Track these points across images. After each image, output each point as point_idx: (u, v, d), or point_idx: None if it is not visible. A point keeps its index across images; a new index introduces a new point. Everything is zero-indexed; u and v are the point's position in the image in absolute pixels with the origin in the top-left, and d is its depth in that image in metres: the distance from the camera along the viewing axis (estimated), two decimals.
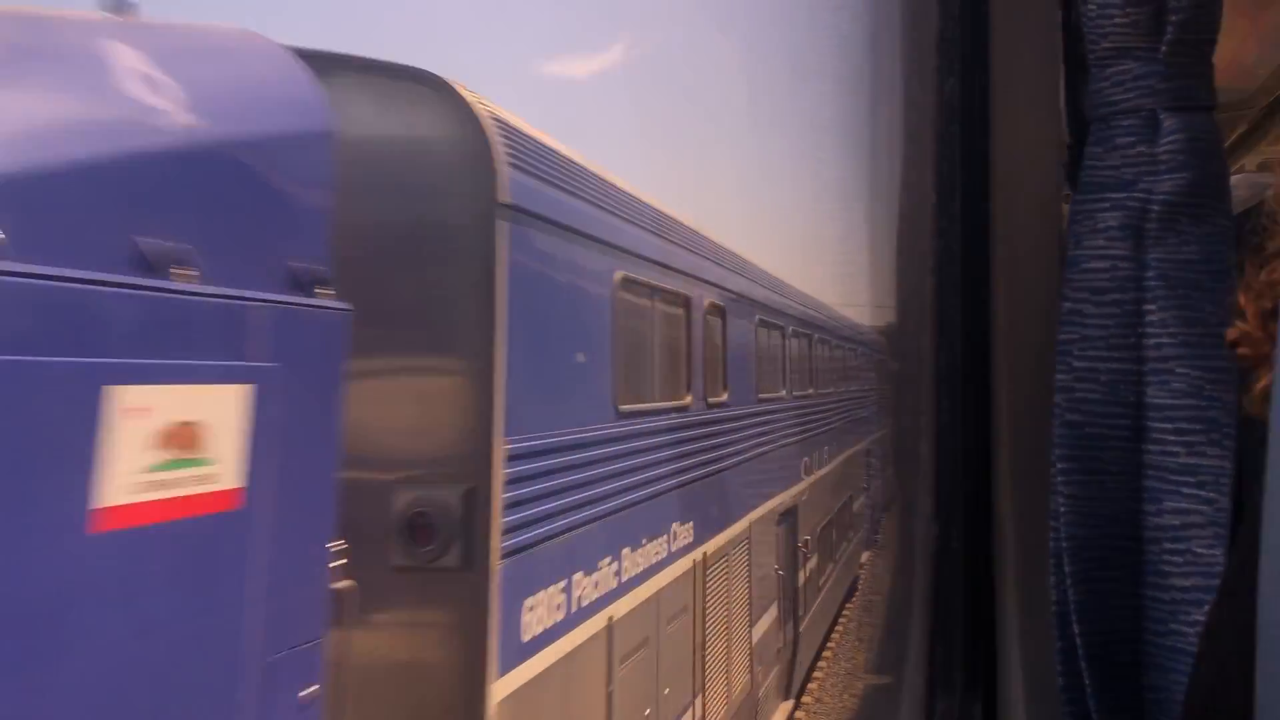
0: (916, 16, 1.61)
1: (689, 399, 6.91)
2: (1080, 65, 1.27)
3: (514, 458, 4.21)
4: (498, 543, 4.06)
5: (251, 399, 2.81)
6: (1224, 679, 0.89)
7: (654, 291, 6.39)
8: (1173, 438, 1.14)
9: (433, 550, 3.95)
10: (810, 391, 11.73)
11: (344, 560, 3.39)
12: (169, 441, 2.54)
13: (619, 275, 5.68)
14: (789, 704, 10.00)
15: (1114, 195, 1.19)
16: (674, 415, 6.66)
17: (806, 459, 10.88)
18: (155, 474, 2.50)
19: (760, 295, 9.24)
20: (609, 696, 5.31)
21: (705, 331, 7.28)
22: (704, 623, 7.04)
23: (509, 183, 4.22)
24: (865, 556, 14.79)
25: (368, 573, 3.57)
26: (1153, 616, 1.15)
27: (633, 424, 5.81)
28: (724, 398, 7.73)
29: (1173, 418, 1.14)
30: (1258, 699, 0.73)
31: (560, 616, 4.72)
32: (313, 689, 3.15)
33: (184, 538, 2.62)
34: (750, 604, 8.46)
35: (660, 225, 6.65)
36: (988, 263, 1.48)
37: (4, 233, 2.18)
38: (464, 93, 4.19)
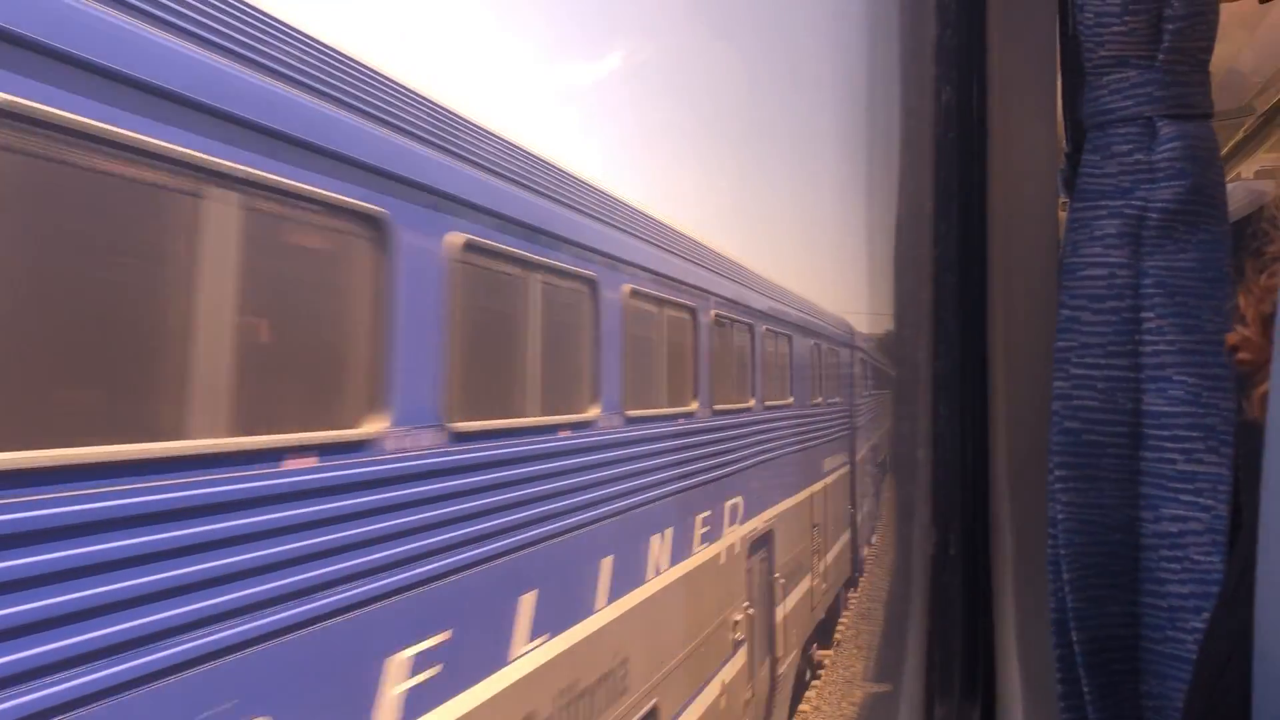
0: (914, 24, 1.62)
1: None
2: (1078, 73, 1.27)
3: None
4: None
5: None
6: (1221, 686, 0.88)
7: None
8: (1170, 445, 1.14)
9: None
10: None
11: None
12: None
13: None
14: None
15: (1111, 202, 1.19)
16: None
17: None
18: None
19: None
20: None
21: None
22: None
23: None
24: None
25: None
26: (1150, 623, 1.15)
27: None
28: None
29: (1170, 425, 1.14)
30: (1255, 705, 0.73)
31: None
32: None
33: None
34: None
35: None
36: (985, 270, 1.48)
37: None
38: None
